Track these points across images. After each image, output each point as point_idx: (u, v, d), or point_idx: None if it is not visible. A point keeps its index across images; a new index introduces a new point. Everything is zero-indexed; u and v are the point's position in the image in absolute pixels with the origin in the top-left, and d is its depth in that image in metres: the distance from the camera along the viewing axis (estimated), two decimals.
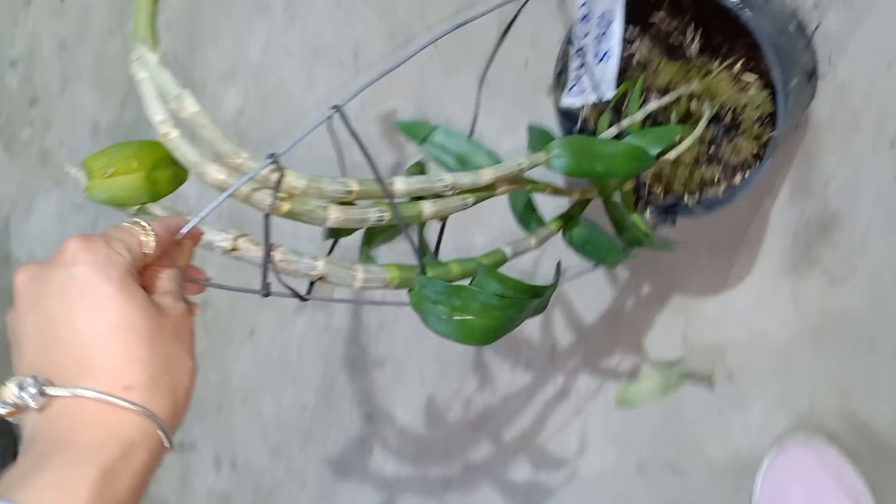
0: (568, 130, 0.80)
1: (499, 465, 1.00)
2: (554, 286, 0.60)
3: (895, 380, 0.78)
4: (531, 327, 0.96)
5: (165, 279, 0.46)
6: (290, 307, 1.11)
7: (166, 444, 0.42)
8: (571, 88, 0.73)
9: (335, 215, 0.52)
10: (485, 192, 0.59)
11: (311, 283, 0.55)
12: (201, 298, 0.52)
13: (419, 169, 0.72)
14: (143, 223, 0.44)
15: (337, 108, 0.50)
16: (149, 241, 0.44)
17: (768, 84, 0.71)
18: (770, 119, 0.72)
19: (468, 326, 0.55)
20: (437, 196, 0.57)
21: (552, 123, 0.80)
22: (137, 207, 0.50)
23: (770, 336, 0.83)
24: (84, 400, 0.39)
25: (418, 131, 0.65)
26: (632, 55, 0.78)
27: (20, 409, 0.39)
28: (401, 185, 0.54)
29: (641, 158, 0.65)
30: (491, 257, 0.63)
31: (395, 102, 0.99)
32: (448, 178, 0.56)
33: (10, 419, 0.40)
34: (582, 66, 0.71)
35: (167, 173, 0.49)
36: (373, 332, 1.06)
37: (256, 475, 1.16)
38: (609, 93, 0.71)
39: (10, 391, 0.39)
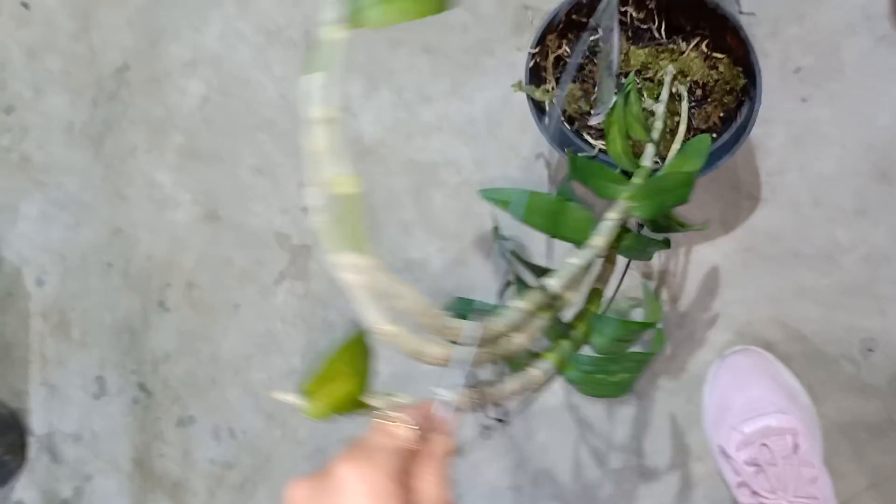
0: (539, 114, 0.83)
1: None
2: None
3: (818, 287, 0.85)
4: None
5: (432, 485, 0.45)
6: (269, 280, 1.17)
7: None
8: (598, 112, 0.77)
9: (518, 340, 0.55)
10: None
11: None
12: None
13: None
14: (398, 416, 0.45)
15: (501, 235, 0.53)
16: (408, 436, 0.44)
17: (736, 61, 0.78)
18: (742, 91, 0.78)
19: (621, 383, 0.61)
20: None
21: (498, 90, 0.85)
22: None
23: (705, 259, 0.90)
24: None
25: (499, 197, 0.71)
26: (595, 43, 0.81)
27: None
28: (554, 283, 0.57)
29: (691, 182, 0.69)
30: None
31: (352, 78, 1.05)
32: (575, 260, 0.60)
33: None
34: (600, 84, 0.75)
35: (368, 375, 0.49)
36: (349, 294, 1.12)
37: (254, 441, 1.23)
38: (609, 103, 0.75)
39: None
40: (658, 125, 0.74)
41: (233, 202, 1.18)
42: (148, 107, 1.21)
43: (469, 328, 0.49)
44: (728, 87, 0.78)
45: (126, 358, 1.28)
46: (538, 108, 0.82)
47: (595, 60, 0.81)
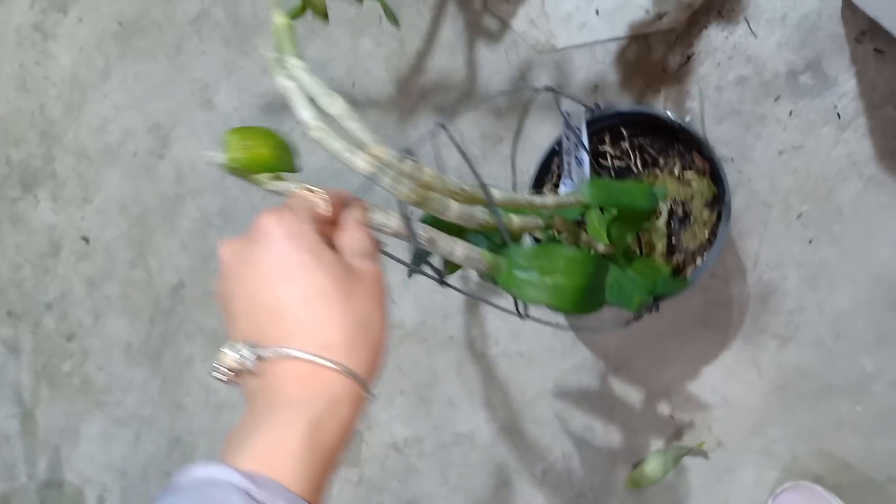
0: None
1: None
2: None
3: (854, 416, 0.89)
4: (531, 435, 1.06)
5: (356, 241, 0.49)
6: None
7: (366, 396, 0.45)
8: (565, 182, 0.88)
9: (455, 207, 0.57)
10: (550, 218, 0.71)
11: (444, 266, 0.63)
12: None
13: None
14: (315, 189, 0.49)
15: (441, 125, 0.59)
16: (323, 204, 0.48)
17: (705, 175, 0.88)
18: (715, 201, 0.87)
19: (560, 288, 0.61)
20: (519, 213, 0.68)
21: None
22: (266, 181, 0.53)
23: (743, 401, 0.94)
24: (291, 360, 0.43)
25: None
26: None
27: (239, 373, 0.44)
28: (497, 193, 0.62)
29: (651, 195, 0.77)
30: None
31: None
32: (528, 196, 0.66)
33: (229, 384, 0.45)
34: (569, 165, 0.87)
35: (287, 159, 0.53)
36: (402, 476, 1.16)
37: None
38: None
39: (230, 357, 0.44)
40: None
41: None
42: (203, 319, 1.29)
43: (391, 156, 0.51)
44: (704, 201, 0.86)
45: None
46: None
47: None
